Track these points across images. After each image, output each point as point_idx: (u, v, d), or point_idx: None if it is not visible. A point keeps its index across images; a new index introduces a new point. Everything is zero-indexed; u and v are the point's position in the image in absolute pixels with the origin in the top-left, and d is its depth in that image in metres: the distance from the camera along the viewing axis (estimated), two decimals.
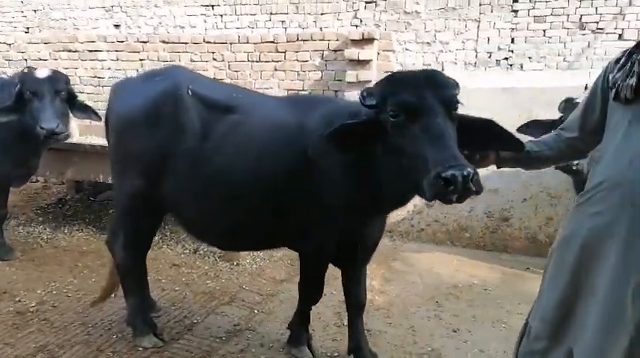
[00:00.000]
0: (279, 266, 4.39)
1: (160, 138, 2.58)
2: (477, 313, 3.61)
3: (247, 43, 5.55)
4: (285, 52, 5.42)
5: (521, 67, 6.06)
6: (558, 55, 5.70)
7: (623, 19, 5.49)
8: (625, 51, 1.84)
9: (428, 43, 5.83)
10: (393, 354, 3.09)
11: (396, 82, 2.01)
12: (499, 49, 6.20)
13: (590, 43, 5.51)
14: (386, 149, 2.07)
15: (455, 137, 1.92)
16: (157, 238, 4.88)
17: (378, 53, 5.13)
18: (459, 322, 3.46)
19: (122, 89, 2.85)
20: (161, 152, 2.58)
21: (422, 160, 1.84)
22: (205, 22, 6.55)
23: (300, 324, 3.05)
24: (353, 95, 5.07)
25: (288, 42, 5.39)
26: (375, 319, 3.54)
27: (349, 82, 5.07)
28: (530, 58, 5.95)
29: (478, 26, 6.30)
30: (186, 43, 5.78)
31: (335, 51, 5.23)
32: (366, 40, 4.94)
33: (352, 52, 5.00)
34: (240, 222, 2.61)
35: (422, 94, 1.90)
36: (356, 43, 4.99)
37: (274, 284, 4.02)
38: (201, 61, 5.78)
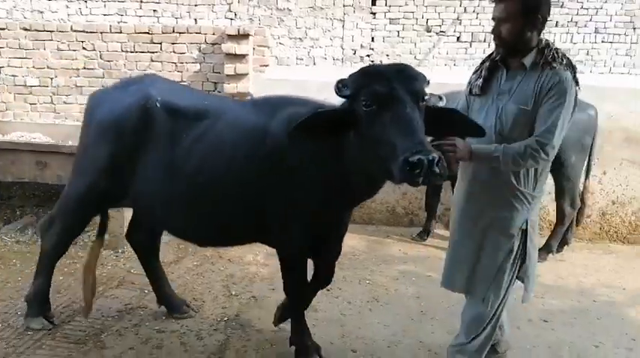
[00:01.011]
0: (167, 249, 4.54)
1: (130, 146, 2.73)
2: (346, 274, 4.19)
3: (120, 32, 5.52)
4: (161, 44, 5.51)
5: (381, 63, 6.74)
6: (410, 54, 6.45)
7: (460, 23, 6.48)
8: (481, 61, 2.55)
9: (300, 38, 6.23)
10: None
11: (369, 74, 2.14)
12: (362, 46, 6.86)
13: (435, 43, 6.32)
14: (358, 138, 2.18)
15: (422, 125, 2.07)
16: (29, 233, 4.73)
17: (254, 48, 5.48)
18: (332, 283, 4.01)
19: (98, 98, 2.97)
20: (130, 158, 2.73)
21: (391, 147, 1.97)
22: (68, 7, 6.26)
23: (301, 336, 2.91)
24: (232, 88, 5.38)
25: (163, 33, 5.49)
26: (261, 287, 3.92)
27: (228, 75, 5.35)
28: (387, 55, 6.64)
29: (343, 25, 6.90)
30: (51, 31, 5.55)
31: (212, 44, 5.46)
32: (241, 36, 5.26)
33: (229, 47, 5.28)
34: (215, 222, 2.75)
35: (392, 86, 2.04)
36: (232, 37, 5.28)
37: (163, 266, 4.19)
38: (70, 49, 5.61)
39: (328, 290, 3.84)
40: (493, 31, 2.35)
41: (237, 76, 5.35)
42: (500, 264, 2.50)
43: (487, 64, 2.47)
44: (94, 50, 5.59)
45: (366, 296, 3.81)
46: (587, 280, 4.43)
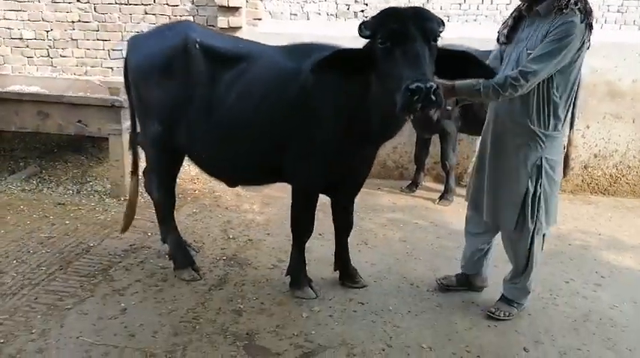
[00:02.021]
0: None
1: (172, 88, 2.92)
2: None
3: None
4: None
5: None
6: None
7: None
8: (511, 12, 2.77)
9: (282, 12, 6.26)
10: (272, 253, 3.76)
11: (387, 14, 2.30)
12: (356, 1, 6.85)
13: None
14: (376, 75, 2.35)
15: (431, 63, 2.21)
16: (35, 182, 4.92)
17: (247, 1, 5.52)
18: (324, 229, 4.24)
19: (136, 44, 3.13)
20: (174, 100, 2.93)
21: (398, 78, 2.12)
22: None
23: (298, 267, 3.19)
24: None
25: None
26: (257, 232, 4.17)
27: (222, 28, 5.41)
28: None
29: None
30: None
31: None
32: (233, 8, 5.29)
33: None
34: (244, 158, 2.99)
35: (406, 24, 2.19)
36: (225, 10, 5.31)
37: (150, 207, 4.41)
38: (64, 2, 5.63)
39: (320, 234, 4.10)
40: None
41: (231, 29, 5.41)
42: (523, 197, 2.75)
43: (514, 13, 2.70)
44: (88, 3, 5.61)
45: (355, 239, 4.04)
46: (565, 227, 4.66)
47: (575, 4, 2.44)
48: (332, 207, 3.27)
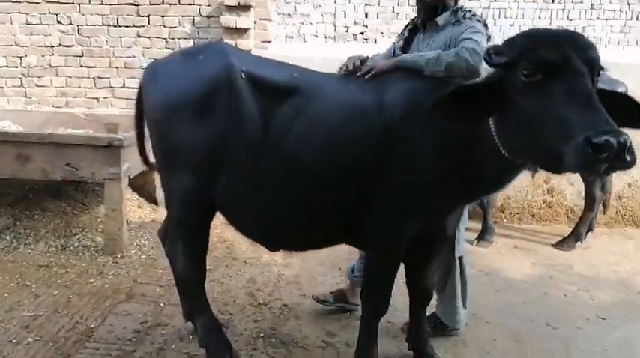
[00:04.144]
0: None
1: (212, 130, 2.25)
2: None
3: (101, 4, 4.83)
4: (148, 17, 4.86)
5: (375, 41, 6.40)
6: None
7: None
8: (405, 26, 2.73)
9: (289, 14, 5.82)
10: (317, 324, 3.07)
11: (535, 37, 1.84)
12: (355, 23, 6.53)
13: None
14: (507, 116, 1.87)
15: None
16: (9, 238, 4.07)
17: (255, 22, 4.91)
18: None
19: (160, 72, 2.42)
20: (213, 145, 2.26)
21: (563, 124, 1.64)
22: None
23: (369, 344, 2.52)
24: None
25: (151, 5, 4.84)
26: (289, 293, 3.48)
27: None
28: (382, 33, 6.33)
29: (335, 0, 6.55)
30: (19, 1, 4.79)
31: (208, 17, 4.86)
32: (242, 7, 4.69)
33: (228, 20, 4.70)
34: (305, 216, 2.35)
35: (565, 52, 1.72)
36: (231, 9, 4.70)
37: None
38: (42, 24, 4.87)
39: None
40: None
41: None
42: None
43: (410, 26, 2.67)
44: (71, 24, 4.87)
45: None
46: (622, 268, 4.23)
47: (474, 15, 2.48)
48: (407, 270, 2.64)
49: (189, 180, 2.35)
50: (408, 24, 2.71)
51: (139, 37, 4.90)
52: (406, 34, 2.68)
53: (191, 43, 4.90)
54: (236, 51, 2.48)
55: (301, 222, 2.39)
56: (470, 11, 2.48)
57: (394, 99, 2.20)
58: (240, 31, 4.76)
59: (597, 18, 7.16)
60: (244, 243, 4.22)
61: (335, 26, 6.33)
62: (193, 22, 4.88)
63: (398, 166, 2.17)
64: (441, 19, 2.53)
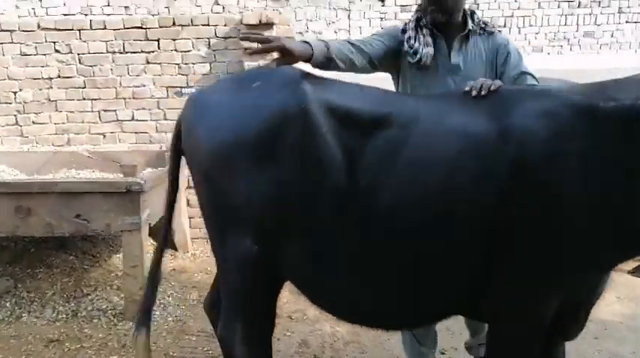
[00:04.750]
0: (201, 312, 3.43)
1: (279, 179, 1.69)
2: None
3: (104, 29, 4.30)
4: (158, 41, 4.34)
5: None
6: None
7: (478, 7, 5.89)
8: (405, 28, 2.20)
9: (300, 32, 5.44)
10: None
11: None
12: None
13: None
14: None
15: None
16: (9, 304, 3.45)
17: None
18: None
19: (208, 105, 1.83)
20: (282, 199, 1.70)
21: None
22: (18, 7, 5.13)
23: None
24: None
25: (161, 27, 4.31)
26: (351, 356, 2.90)
27: None
28: None
29: (349, 15, 6.17)
30: (11, 30, 4.25)
31: (225, 38, 4.34)
32: (264, 25, 4.19)
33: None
34: (410, 290, 1.78)
35: None
36: (252, 28, 4.19)
37: (209, 339, 3.07)
38: (38, 53, 4.32)
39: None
40: None
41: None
42: None
43: (424, 30, 2.16)
44: (71, 53, 4.33)
45: None
46: None
47: (493, 26, 2.27)
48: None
49: (250, 244, 1.77)
50: (417, 27, 2.17)
51: (149, 63, 4.37)
52: (429, 39, 2.16)
53: (207, 67, 4.38)
54: (303, 73, 1.93)
55: (401, 295, 1.81)
56: (480, 18, 2.25)
57: (524, 125, 1.65)
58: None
59: (626, 22, 6.84)
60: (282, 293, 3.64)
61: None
62: (209, 44, 4.36)
63: (538, 217, 1.61)
64: (466, 27, 2.18)
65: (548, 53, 6.66)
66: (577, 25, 6.61)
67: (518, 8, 6.51)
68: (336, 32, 6.14)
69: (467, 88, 1.85)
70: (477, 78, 2.09)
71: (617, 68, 4.97)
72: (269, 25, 4.19)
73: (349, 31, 6.15)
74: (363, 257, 1.73)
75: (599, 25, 6.66)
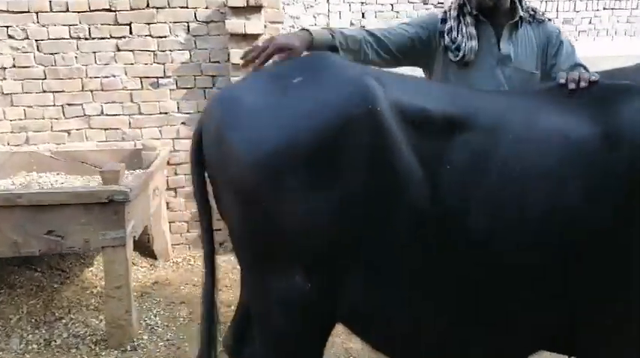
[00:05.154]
0: (194, 333, 3.04)
1: (345, 196, 1.34)
2: None
3: (67, 11, 3.75)
4: (130, 25, 3.83)
5: None
6: None
7: None
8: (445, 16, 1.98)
9: None
10: None
11: None
12: (352, 24, 5.90)
13: None
14: None
15: None
16: None
17: (265, 26, 3.99)
18: None
19: (244, 107, 1.42)
20: (349, 219, 1.36)
21: None
22: None
23: None
24: None
25: (133, 9, 3.80)
26: None
27: (235, 65, 3.83)
28: None
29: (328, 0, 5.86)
30: None
31: (207, 22, 3.89)
32: (252, 8, 3.76)
33: (236, 24, 3.76)
34: (501, 329, 1.47)
35: None
36: (238, 11, 3.76)
37: None
38: None
39: None
40: None
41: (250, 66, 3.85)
42: None
43: (468, 19, 1.93)
44: (27, 39, 3.76)
45: None
46: None
47: (543, 14, 2.06)
48: None
49: (301, 280, 1.43)
50: (459, 14, 1.96)
51: (119, 50, 3.86)
52: (472, 30, 1.94)
53: (187, 55, 3.92)
54: (363, 66, 1.58)
55: (492, 336, 1.51)
56: (528, 4, 2.05)
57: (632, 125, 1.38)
58: (250, 38, 3.82)
59: (603, 8, 6.86)
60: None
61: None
62: (188, 29, 3.89)
63: None
64: (516, 14, 1.97)
65: None
66: (557, 11, 6.55)
67: None
68: (314, 17, 5.80)
69: (561, 80, 1.58)
70: (528, 69, 2.00)
71: (595, 56, 4.91)
72: (257, 8, 3.77)
73: (328, 16, 5.83)
74: (447, 291, 1.42)
75: (577, 12, 6.64)
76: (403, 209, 1.36)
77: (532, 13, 2.02)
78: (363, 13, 5.94)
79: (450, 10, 1.99)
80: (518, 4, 1.98)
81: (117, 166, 2.72)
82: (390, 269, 1.41)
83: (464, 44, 1.91)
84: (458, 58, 1.93)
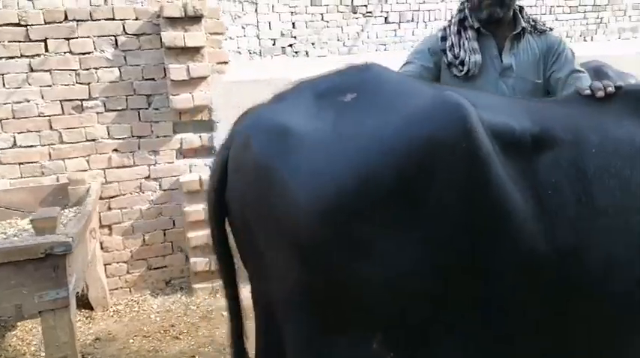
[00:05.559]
0: None
1: (437, 238, 1.06)
2: None
3: None
4: (45, 41, 3.28)
5: (307, 53, 5.70)
6: (338, 40, 5.49)
7: (386, 2, 5.73)
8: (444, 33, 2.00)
9: None
10: None
11: None
12: (282, 34, 5.73)
13: (363, 26, 5.51)
14: None
15: None
16: None
17: (207, 38, 3.61)
18: None
19: (292, 134, 1.10)
20: (444, 267, 1.07)
21: None
22: None
23: None
24: (184, 101, 3.48)
25: (48, 24, 3.26)
26: None
27: (174, 81, 3.41)
28: (313, 44, 5.67)
29: (256, 9, 5.63)
30: None
31: (137, 35, 3.44)
32: (190, 19, 3.38)
33: (174, 37, 3.35)
34: None
35: None
36: (175, 22, 3.36)
37: None
38: None
39: None
40: None
41: (192, 82, 3.46)
42: None
43: (469, 33, 1.96)
44: None
45: None
46: None
47: (544, 24, 2.09)
48: None
49: (382, 349, 1.13)
50: (459, 30, 1.99)
51: (33, 71, 3.29)
52: (474, 44, 1.97)
53: (116, 73, 3.44)
54: (424, 79, 1.34)
55: None
56: (529, 15, 2.09)
57: None
58: (191, 51, 3.43)
59: None
60: None
61: (259, 39, 5.47)
62: (116, 43, 3.41)
63: None
64: (519, 25, 2.00)
65: None
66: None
67: (424, 2, 6.47)
68: (243, 28, 5.50)
69: (587, 92, 1.45)
70: (531, 79, 2.00)
71: None
72: (196, 18, 3.39)
73: (257, 27, 5.56)
74: (571, 343, 1.19)
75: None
76: (506, 247, 1.12)
77: (533, 23, 2.05)
78: (293, 23, 5.75)
79: (449, 26, 2.01)
80: (519, 14, 2.01)
81: (52, 211, 2.22)
82: (496, 325, 1.16)
83: (467, 59, 1.93)
84: (463, 73, 1.94)
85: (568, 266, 1.17)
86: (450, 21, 2.05)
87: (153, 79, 3.51)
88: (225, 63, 3.72)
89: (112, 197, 3.59)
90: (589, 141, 1.25)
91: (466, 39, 1.96)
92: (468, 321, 1.15)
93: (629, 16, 6.77)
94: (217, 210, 1.26)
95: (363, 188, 1.06)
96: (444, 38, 2.00)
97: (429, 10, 6.43)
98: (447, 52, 1.97)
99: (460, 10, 2.04)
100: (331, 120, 1.13)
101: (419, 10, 6.33)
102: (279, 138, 1.13)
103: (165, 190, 3.70)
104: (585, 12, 6.45)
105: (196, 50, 3.43)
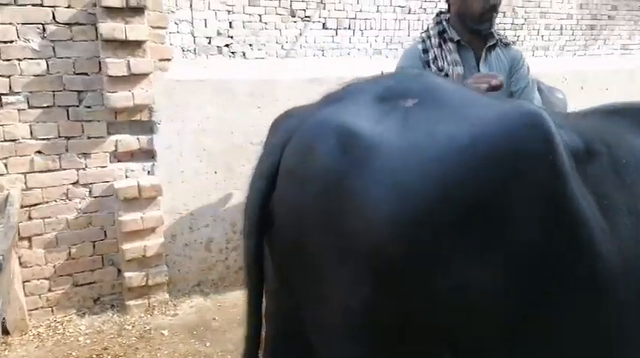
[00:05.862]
0: None
1: (512, 260, 0.98)
2: None
3: None
4: None
5: (244, 54, 5.57)
6: (276, 42, 5.39)
7: (324, 7, 5.75)
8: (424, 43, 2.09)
9: None
10: None
11: None
12: (218, 33, 5.53)
13: (302, 30, 5.45)
14: None
15: None
16: None
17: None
18: None
19: (364, 141, 0.98)
20: (518, 292, 0.98)
21: None
22: None
23: None
24: (122, 99, 3.16)
25: None
26: None
27: (111, 77, 3.09)
28: (251, 45, 5.55)
29: (191, 5, 5.38)
30: None
31: (69, 25, 3.07)
32: (131, 10, 3.07)
33: (113, 28, 3.03)
34: None
35: None
36: (114, 12, 3.04)
37: None
38: None
39: None
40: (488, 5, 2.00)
41: (132, 79, 3.15)
42: None
43: (450, 45, 2.08)
44: None
45: None
46: None
47: (506, 37, 2.30)
48: None
49: None
50: (440, 42, 2.09)
51: None
52: (456, 56, 2.09)
53: (43, 65, 3.04)
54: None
55: None
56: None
57: None
58: (131, 45, 3.12)
59: None
60: None
61: (194, 37, 5.22)
62: (44, 32, 3.02)
63: None
64: (492, 40, 2.16)
65: (387, 56, 6.87)
66: (409, 29, 6.97)
67: (360, 11, 6.54)
68: (177, 24, 5.20)
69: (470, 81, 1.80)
70: (504, 88, 2.04)
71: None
72: (138, 9, 3.09)
73: (192, 23, 5.28)
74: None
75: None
76: (585, 264, 1.06)
77: (499, 37, 2.19)
78: (230, 23, 5.54)
79: (429, 38, 2.09)
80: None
81: None
82: (569, 348, 1.09)
83: (450, 71, 2.01)
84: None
85: (636, 279, 1.15)
86: (427, 32, 2.10)
87: (86, 74, 3.15)
88: (169, 60, 3.45)
89: (34, 205, 3.17)
90: (619, 152, 1.24)
91: (447, 51, 2.05)
92: (543, 343, 1.09)
93: (542, 36, 7.28)
94: (261, 221, 1.09)
95: (447, 202, 0.96)
96: (425, 50, 2.09)
97: (365, 19, 6.50)
98: (431, 64, 2.04)
99: (438, 23, 2.10)
100: (398, 127, 1.02)
101: (355, 19, 6.36)
102: (349, 145, 1.00)
103: (95, 197, 3.34)
104: (505, 30, 6.85)
105: (138, 44, 3.14)
